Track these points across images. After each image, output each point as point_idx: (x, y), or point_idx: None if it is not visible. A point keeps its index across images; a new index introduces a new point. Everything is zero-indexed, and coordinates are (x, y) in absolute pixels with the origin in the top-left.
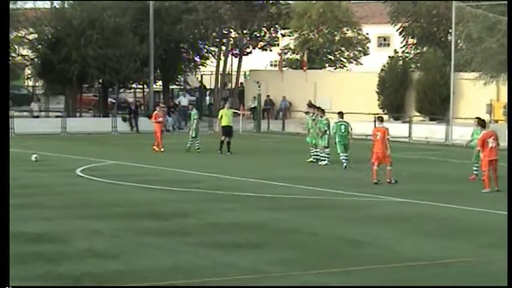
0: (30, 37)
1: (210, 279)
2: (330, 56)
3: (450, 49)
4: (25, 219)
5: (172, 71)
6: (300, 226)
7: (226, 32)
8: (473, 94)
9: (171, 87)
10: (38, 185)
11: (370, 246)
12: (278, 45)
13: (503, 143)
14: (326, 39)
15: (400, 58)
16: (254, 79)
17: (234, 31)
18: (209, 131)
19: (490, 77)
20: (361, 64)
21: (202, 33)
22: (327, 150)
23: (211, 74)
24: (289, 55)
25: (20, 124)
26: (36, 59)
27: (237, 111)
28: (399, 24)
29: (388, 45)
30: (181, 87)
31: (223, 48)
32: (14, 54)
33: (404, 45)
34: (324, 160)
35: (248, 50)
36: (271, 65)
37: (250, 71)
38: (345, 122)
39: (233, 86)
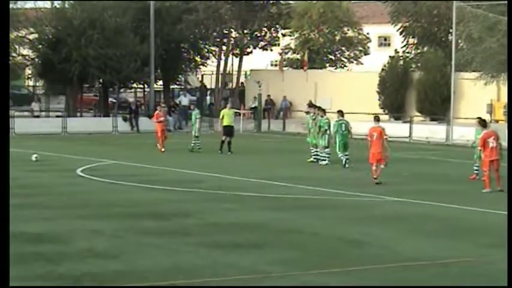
0: (31, 37)
1: (210, 279)
2: (330, 56)
3: (451, 49)
4: (25, 219)
5: (172, 71)
6: (300, 226)
7: (226, 32)
8: (474, 94)
9: (171, 87)
10: (38, 185)
11: (370, 246)
12: (279, 45)
13: (504, 143)
14: (326, 39)
15: (401, 58)
16: (255, 79)
17: (235, 31)
18: (209, 130)
19: (490, 77)
20: (362, 64)
21: (203, 33)
22: (327, 150)
23: (212, 73)
24: (289, 55)
25: (20, 124)
26: (36, 59)
27: (238, 110)
28: (400, 24)
29: (389, 45)
30: (182, 87)
31: (224, 48)
32: (14, 54)
33: (404, 45)
34: (325, 160)
35: (249, 50)
36: (271, 65)
37: (251, 70)
38: (345, 120)
39: (234, 86)
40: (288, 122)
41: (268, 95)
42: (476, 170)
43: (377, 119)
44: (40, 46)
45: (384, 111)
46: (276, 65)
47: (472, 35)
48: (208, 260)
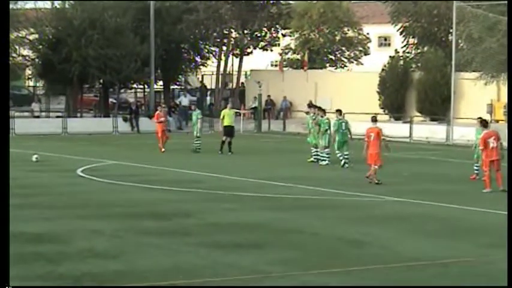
0: (31, 37)
1: (210, 279)
2: (330, 56)
3: (451, 49)
4: (25, 219)
5: (173, 71)
6: (301, 226)
7: (226, 32)
8: (474, 94)
9: (171, 87)
10: (39, 185)
11: (370, 246)
12: (279, 45)
13: (505, 143)
14: (327, 39)
15: (401, 58)
16: (255, 79)
17: (235, 31)
18: (209, 131)
19: (490, 77)
20: (362, 64)
21: (203, 33)
22: (326, 150)
23: (212, 74)
24: (289, 55)
25: (20, 124)
26: (36, 59)
27: (238, 110)
28: (400, 24)
29: (389, 45)
30: (182, 87)
31: (224, 48)
32: (14, 55)
33: (405, 45)
34: (325, 160)
35: (249, 50)
36: (271, 65)
37: (251, 71)
38: (344, 120)
39: (234, 86)
40: (288, 122)
41: (269, 95)
42: (477, 170)
43: (374, 119)
44: (40, 46)
45: (384, 111)
46: (276, 65)
47: (472, 35)
48: (209, 260)
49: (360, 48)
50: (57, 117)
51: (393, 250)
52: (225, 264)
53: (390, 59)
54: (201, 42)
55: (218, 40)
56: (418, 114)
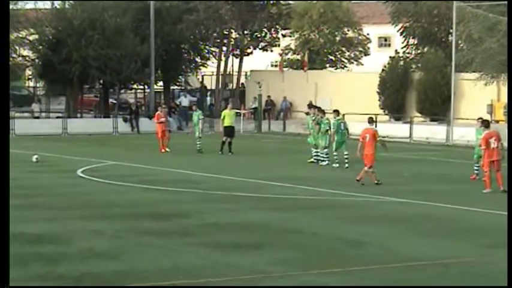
0: (31, 38)
1: (211, 279)
2: (330, 57)
3: (451, 49)
4: (25, 219)
5: (173, 72)
6: (300, 226)
7: (227, 33)
8: (474, 94)
9: (171, 87)
10: (39, 185)
11: (370, 246)
12: (279, 45)
13: (505, 143)
14: (327, 39)
15: (401, 58)
16: (255, 79)
17: (235, 31)
18: (210, 131)
19: (490, 78)
20: (362, 64)
21: (203, 33)
22: (325, 150)
23: (212, 74)
24: (289, 55)
25: (20, 125)
26: (36, 60)
27: (238, 111)
28: (400, 25)
29: (389, 45)
30: (182, 87)
31: (224, 48)
32: (14, 55)
33: (405, 46)
34: (325, 160)
35: (249, 51)
36: (271, 66)
37: (251, 71)
38: (343, 120)
39: (234, 87)
40: (288, 122)
41: (269, 96)
42: (477, 170)
43: (371, 120)
44: (40, 47)
45: (384, 111)
46: (276, 66)
47: (472, 36)
48: (209, 260)
49: (360, 49)
50: (57, 117)
51: (393, 250)
52: (225, 264)
53: (390, 60)
54: (201, 43)
55: (218, 40)
56: (418, 114)
